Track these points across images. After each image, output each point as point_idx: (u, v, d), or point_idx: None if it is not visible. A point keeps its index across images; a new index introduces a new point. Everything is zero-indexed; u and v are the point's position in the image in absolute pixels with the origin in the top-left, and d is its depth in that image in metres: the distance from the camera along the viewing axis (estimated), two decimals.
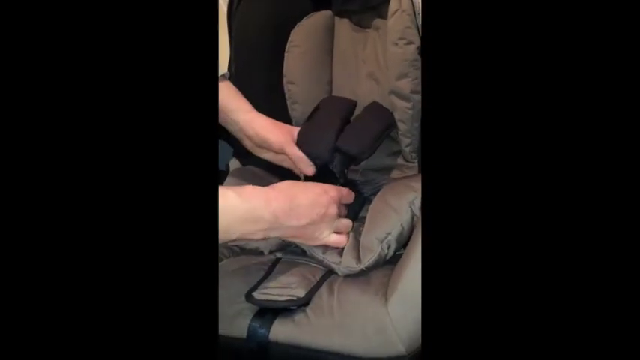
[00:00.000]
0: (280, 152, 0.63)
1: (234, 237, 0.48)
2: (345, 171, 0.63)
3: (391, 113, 0.65)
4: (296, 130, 0.64)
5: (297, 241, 0.55)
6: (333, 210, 0.53)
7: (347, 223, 0.56)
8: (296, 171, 0.65)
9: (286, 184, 0.53)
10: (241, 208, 0.47)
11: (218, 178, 0.60)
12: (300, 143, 0.63)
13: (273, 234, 0.52)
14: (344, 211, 0.57)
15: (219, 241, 0.45)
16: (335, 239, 0.54)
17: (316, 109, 0.66)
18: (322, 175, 0.61)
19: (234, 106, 0.65)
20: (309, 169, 0.62)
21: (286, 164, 0.66)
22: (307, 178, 0.63)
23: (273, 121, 0.65)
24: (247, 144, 0.67)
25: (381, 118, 0.65)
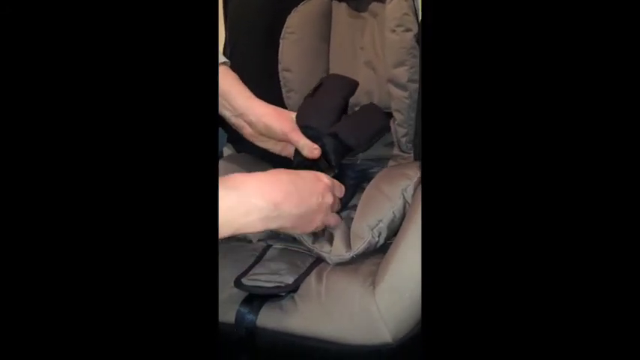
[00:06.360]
0: (283, 139, 0.61)
1: (229, 232, 0.41)
2: (336, 162, 0.61)
3: (387, 116, 0.64)
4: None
5: (295, 231, 0.52)
6: (329, 198, 0.51)
7: (337, 218, 0.54)
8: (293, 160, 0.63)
9: (278, 170, 0.51)
10: (231, 196, 0.42)
11: (217, 165, 0.58)
12: (300, 117, 0.61)
13: (274, 224, 0.46)
14: (338, 204, 0.55)
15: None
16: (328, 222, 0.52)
17: (319, 85, 0.65)
18: (316, 165, 0.60)
19: (235, 92, 0.61)
20: (315, 151, 0.58)
21: (285, 153, 0.64)
22: (300, 167, 0.61)
23: (275, 107, 0.62)
24: (247, 132, 0.63)
25: (379, 119, 0.64)
